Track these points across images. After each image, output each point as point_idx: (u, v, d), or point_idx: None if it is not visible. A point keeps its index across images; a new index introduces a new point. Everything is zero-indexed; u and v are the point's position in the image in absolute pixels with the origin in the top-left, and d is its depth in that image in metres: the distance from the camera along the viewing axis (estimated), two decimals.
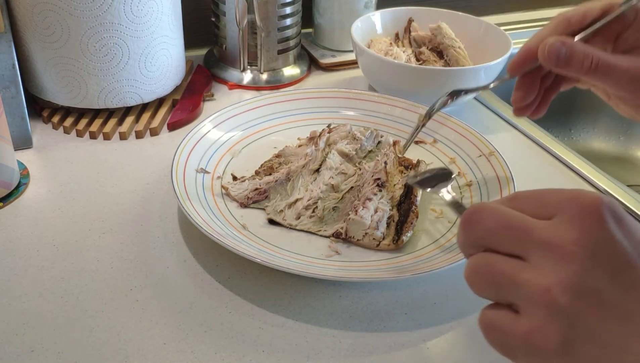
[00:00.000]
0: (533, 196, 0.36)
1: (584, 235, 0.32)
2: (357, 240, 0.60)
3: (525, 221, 0.34)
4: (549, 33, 0.55)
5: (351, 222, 0.60)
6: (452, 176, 0.56)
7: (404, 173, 0.68)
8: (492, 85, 0.64)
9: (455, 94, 0.66)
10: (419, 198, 0.64)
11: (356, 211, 0.60)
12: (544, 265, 0.33)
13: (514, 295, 0.33)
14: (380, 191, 0.63)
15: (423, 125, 0.68)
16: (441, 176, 0.56)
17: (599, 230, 0.32)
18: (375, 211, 0.61)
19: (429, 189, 0.55)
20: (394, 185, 0.66)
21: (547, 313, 0.32)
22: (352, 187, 0.65)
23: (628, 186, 0.73)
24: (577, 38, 0.55)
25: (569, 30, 0.55)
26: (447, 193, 0.52)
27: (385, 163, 0.66)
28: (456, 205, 0.50)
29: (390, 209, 0.62)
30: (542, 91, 0.61)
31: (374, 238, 0.60)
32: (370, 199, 0.62)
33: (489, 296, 0.35)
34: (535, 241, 0.33)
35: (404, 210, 0.63)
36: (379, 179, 0.64)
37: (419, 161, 0.69)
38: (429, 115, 0.68)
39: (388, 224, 0.61)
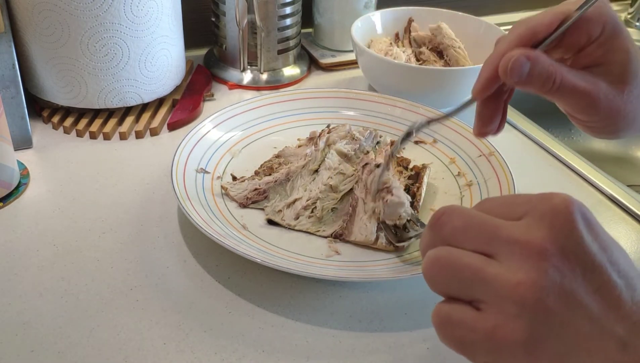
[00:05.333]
0: (502, 199, 0.36)
1: (554, 233, 0.32)
2: (355, 239, 0.60)
3: (494, 220, 0.34)
4: (512, 45, 0.48)
5: (389, 205, 0.58)
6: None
7: (403, 173, 0.68)
8: (455, 113, 0.55)
9: (419, 126, 0.57)
10: (421, 203, 0.64)
11: (391, 193, 0.59)
12: (512, 261, 0.32)
13: (479, 290, 0.33)
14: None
15: (387, 164, 0.61)
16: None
17: (570, 229, 0.32)
18: (366, 213, 0.61)
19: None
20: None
21: (515, 309, 0.31)
22: (351, 189, 0.65)
23: (628, 186, 0.73)
24: (538, 49, 0.48)
25: (534, 42, 0.48)
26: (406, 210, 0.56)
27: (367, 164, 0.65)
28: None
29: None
30: (502, 106, 0.54)
31: (368, 238, 0.60)
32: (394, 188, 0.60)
33: (448, 290, 0.34)
34: (504, 238, 0.33)
35: None
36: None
37: (424, 166, 0.69)
38: (392, 153, 0.62)
39: None
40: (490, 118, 0.52)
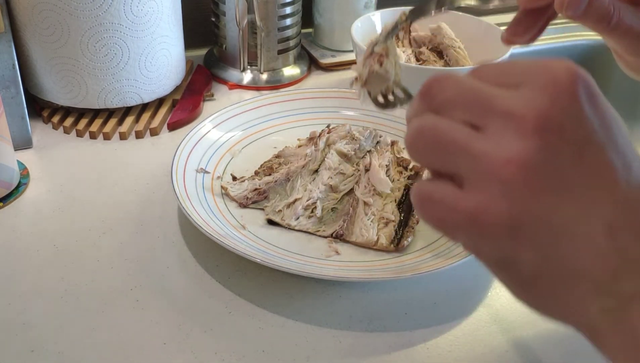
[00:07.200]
0: (500, 66, 0.32)
1: (554, 107, 0.28)
2: (355, 240, 0.60)
3: (489, 89, 0.30)
4: None
5: (372, 75, 0.54)
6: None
7: (403, 174, 0.67)
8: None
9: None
10: None
11: (380, 63, 0.54)
12: (503, 136, 0.29)
13: (463, 166, 0.30)
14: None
15: (391, 31, 0.56)
16: None
17: (570, 104, 0.29)
18: (366, 214, 0.61)
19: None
20: (394, 186, 0.66)
21: (500, 190, 0.28)
22: (351, 189, 0.65)
23: None
24: None
25: None
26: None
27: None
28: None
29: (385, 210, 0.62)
30: (543, 21, 0.50)
31: (368, 239, 0.60)
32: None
33: (430, 163, 0.32)
34: (497, 109, 0.29)
35: (405, 211, 0.63)
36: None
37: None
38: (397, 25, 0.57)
39: (386, 224, 0.61)
40: (527, 28, 0.49)
